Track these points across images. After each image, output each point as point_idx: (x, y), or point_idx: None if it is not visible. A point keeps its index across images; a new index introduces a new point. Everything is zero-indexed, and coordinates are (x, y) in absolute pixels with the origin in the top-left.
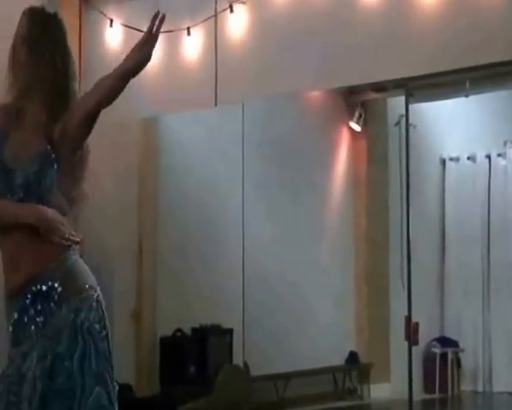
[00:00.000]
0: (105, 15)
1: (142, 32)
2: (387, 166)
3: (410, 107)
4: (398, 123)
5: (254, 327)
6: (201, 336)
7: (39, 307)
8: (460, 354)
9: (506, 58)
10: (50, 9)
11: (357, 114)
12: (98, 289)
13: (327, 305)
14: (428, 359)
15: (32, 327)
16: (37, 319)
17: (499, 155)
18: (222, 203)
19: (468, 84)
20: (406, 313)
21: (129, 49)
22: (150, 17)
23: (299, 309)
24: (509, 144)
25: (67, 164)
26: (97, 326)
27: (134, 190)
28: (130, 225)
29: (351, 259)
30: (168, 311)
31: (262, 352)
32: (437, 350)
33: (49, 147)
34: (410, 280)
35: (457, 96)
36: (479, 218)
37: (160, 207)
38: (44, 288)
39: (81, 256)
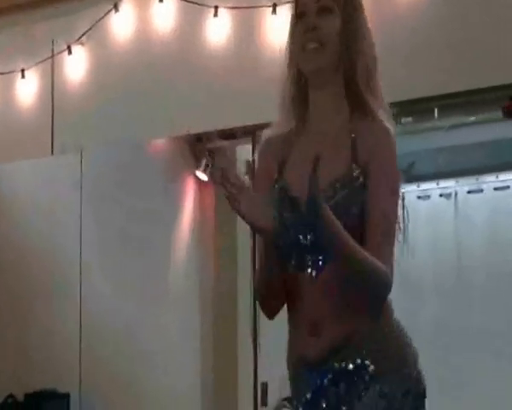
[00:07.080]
0: None
1: None
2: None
3: None
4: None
5: (93, 391)
6: (35, 402)
7: (343, 392)
8: None
9: None
10: None
11: (203, 163)
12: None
13: (172, 370)
14: None
15: None
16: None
17: None
18: (60, 258)
19: None
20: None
21: None
22: None
23: (142, 371)
24: None
25: None
26: None
27: None
28: None
29: (196, 318)
30: None
31: None
32: None
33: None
34: (256, 340)
35: None
36: None
37: None
38: (351, 366)
39: None
